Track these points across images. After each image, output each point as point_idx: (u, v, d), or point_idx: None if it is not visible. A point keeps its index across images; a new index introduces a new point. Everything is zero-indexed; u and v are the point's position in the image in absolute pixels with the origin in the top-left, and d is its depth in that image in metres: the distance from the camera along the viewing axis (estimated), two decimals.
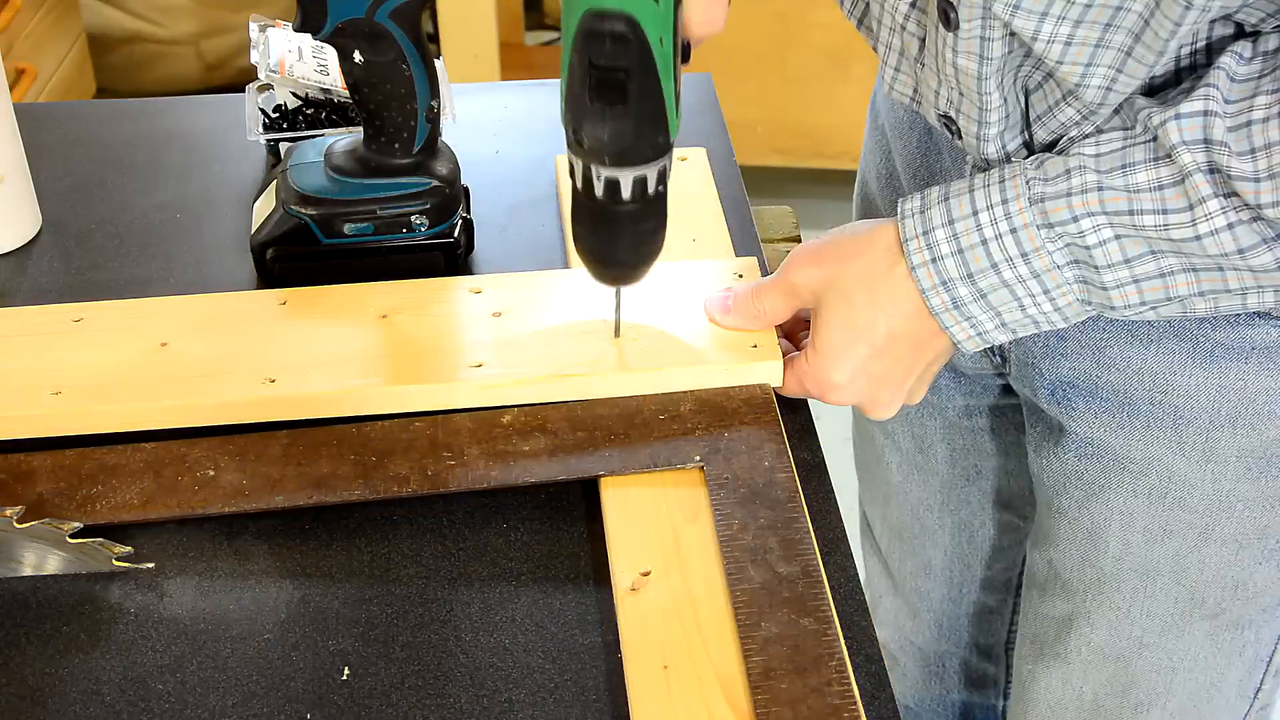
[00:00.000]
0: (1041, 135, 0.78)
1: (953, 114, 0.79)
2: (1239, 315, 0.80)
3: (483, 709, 0.69)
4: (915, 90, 0.83)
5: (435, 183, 0.92)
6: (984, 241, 0.75)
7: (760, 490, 0.76)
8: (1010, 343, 0.91)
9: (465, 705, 0.69)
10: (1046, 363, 0.89)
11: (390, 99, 0.88)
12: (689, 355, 0.83)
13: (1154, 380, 0.84)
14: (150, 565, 0.76)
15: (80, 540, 0.74)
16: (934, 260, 0.77)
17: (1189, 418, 0.84)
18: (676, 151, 1.04)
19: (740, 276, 0.89)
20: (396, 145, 0.90)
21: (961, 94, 0.77)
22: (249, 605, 0.74)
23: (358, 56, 0.86)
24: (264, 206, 0.95)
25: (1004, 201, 0.75)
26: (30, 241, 1.00)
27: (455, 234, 0.93)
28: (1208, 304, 0.75)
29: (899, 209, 0.79)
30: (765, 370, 0.83)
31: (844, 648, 0.68)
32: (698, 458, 0.78)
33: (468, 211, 0.97)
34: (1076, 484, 0.91)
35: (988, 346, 0.80)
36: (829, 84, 2.51)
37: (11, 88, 1.93)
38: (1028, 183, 0.74)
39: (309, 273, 0.92)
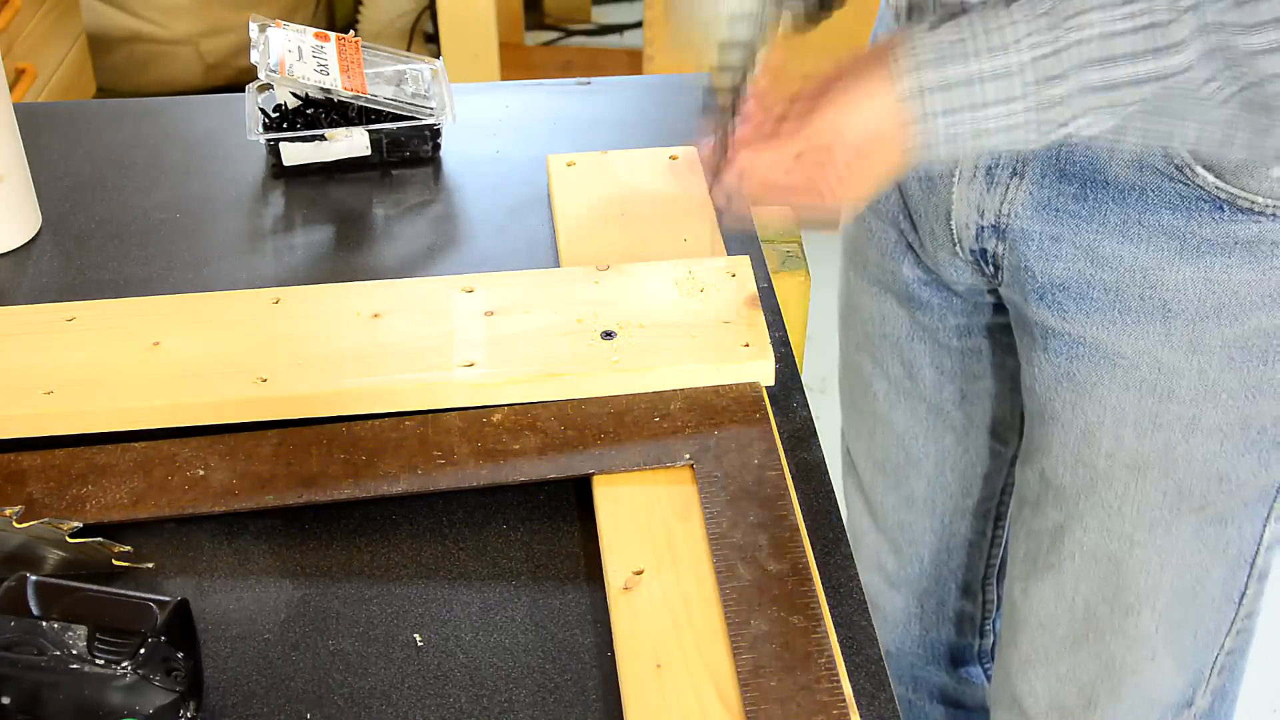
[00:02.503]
0: None
1: None
2: (1223, 210, 0.84)
3: (483, 709, 0.69)
4: None
5: None
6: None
7: (750, 488, 0.77)
8: (1004, 249, 0.93)
9: (465, 705, 0.69)
10: (1040, 265, 0.91)
11: None
12: (679, 354, 0.84)
13: (1144, 276, 0.87)
14: (150, 565, 0.76)
15: (80, 540, 0.74)
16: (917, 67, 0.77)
17: (1177, 310, 0.87)
18: (667, 150, 1.05)
19: (734, 276, 0.89)
20: None
21: None
22: (249, 605, 0.74)
23: None
24: None
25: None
26: (30, 241, 1.00)
27: None
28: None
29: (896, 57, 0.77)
30: (756, 369, 0.83)
31: (834, 645, 0.69)
32: (687, 456, 0.79)
33: None
34: (1068, 385, 0.94)
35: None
36: None
37: (11, 88, 1.93)
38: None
39: None
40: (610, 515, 0.76)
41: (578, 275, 0.90)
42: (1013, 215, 0.91)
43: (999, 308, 1.04)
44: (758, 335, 0.85)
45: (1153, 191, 0.85)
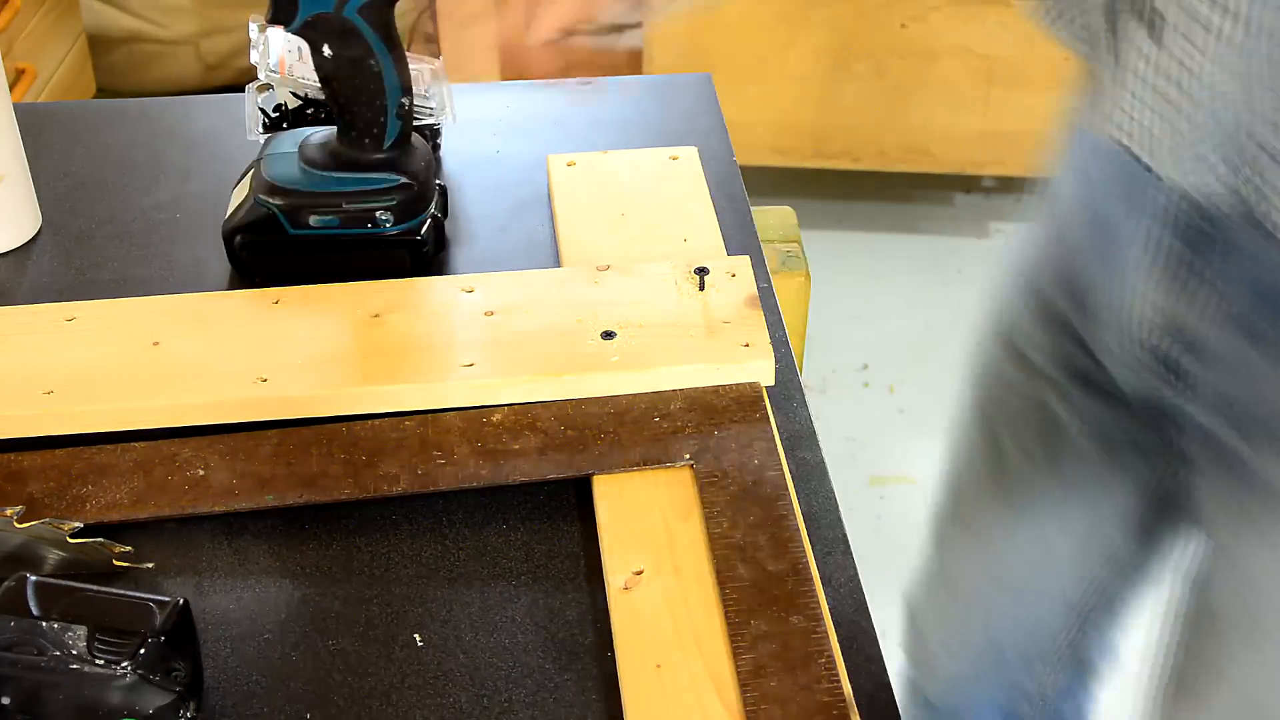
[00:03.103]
0: None
1: None
2: None
3: (483, 709, 0.69)
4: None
5: (403, 180, 0.92)
6: None
7: (750, 488, 0.76)
8: (1190, 362, 0.85)
9: (465, 705, 0.69)
10: (1235, 390, 0.83)
11: (359, 94, 0.89)
12: (679, 354, 0.84)
13: None
14: (150, 565, 0.76)
15: (81, 540, 0.74)
16: None
17: None
18: (667, 150, 1.05)
19: (734, 276, 0.89)
20: (367, 140, 0.91)
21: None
22: (249, 605, 0.74)
23: (327, 51, 0.87)
24: (239, 194, 0.95)
25: None
26: (30, 241, 1.00)
27: (422, 232, 0.93)
28: None
29: None
30: (756, 369, 0.83)
31: (835, 645, 0.69)
32: (687, 456, 0.79)
33: (442, 211, 0.97)
34: (1248, 528, 0.87)
35: None
36: (829, 84, 2.51)
37: (11, 88, 1.93)
38: None
39: (276, 262, 0.92)
40: (610, 515, 0.76)
41: (577, 275, 0.90)
42: (1205, 324, 0.82)
43: (1152, 418, 0.96)
44: (758, 335, 0.85)
45: None
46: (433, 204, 0.95)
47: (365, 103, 0.89)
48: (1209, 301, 0.81)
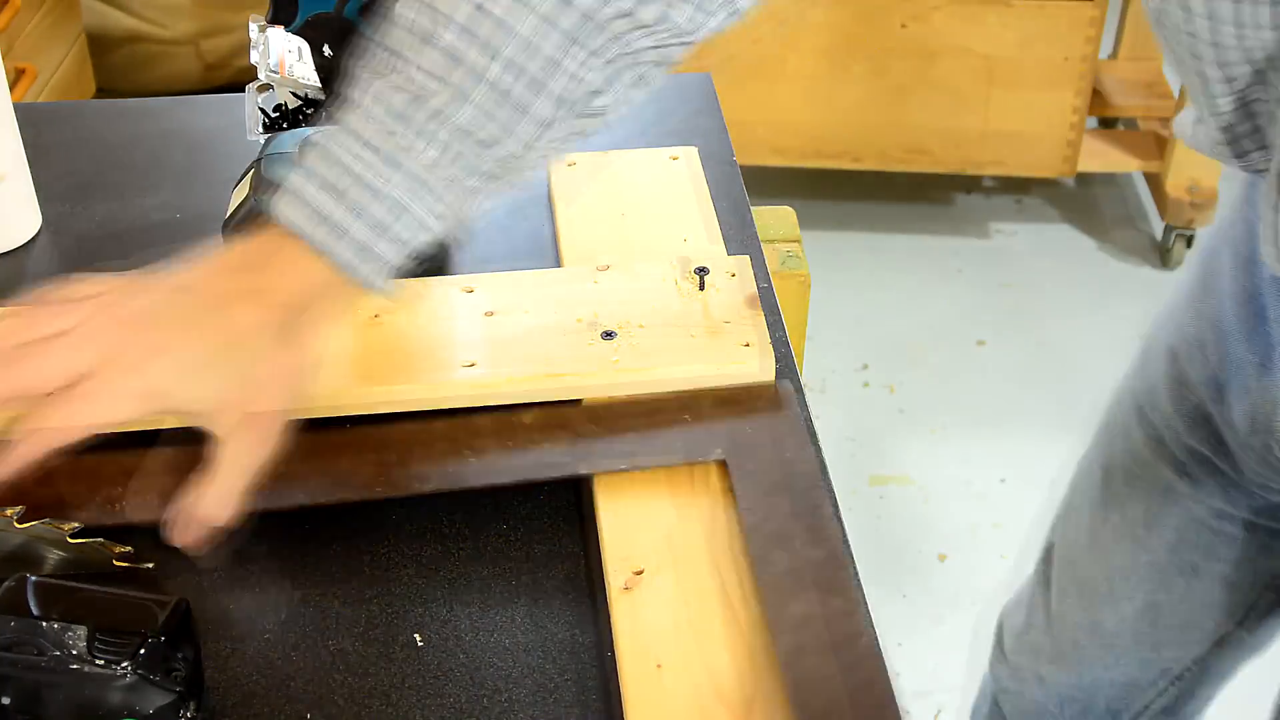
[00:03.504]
0: None
1: None
2: None
3: (483, 709, 0.69)
4: None
5: None
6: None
7: (780, 481, 0.77)
8: None
9: (465, 705, 0.69)
10: None
11: None
12: (680, 354, 0.84)
13: None
14: (150, 565, 0.76)
15: (81, 540, 0.74)
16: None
17: None
18: (667, 150, 1.05)
19: (734, 275, 0.89)
20: None
21: None
22: (249, 605, 0.74)
23: (327, 51, 0.87)
24: (238, 194, 0.95)
25: None
26: (30, 241, 1.00)
27: None
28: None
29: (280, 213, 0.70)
30: (756, 368, 0.84)
31: (871, 628, 0.69)
32: (719, 451, 0.79)
33: None
34: None
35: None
36: (829, 84, 2.51)
37: (11, 88, 1.93)
38: None
39: None
40: (611, 516, 0.76)
41: (578, 275, 0.90)
42: None
43: (1276, 510, 0.98)
44: (758, 334, 0.85)
45: None
46: None
47: None
48: None
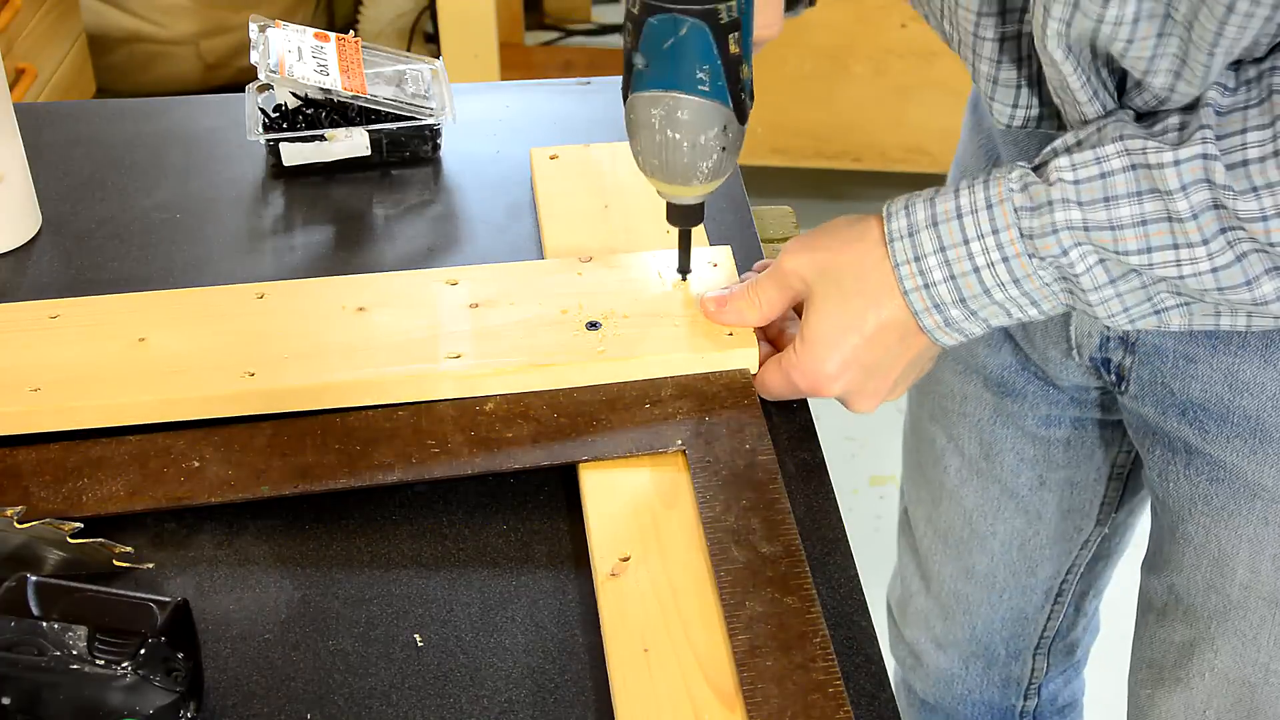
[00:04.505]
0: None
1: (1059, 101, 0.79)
2: None
3: (483, 709, 0.69)
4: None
5: None
6: (976, 270, 0.76)
7: (741, 473, 0.77)
8: (1132, 362, 0.90)
9: (465, 705, 0.69)
10: (1177, 383, 0.87)
11: None
12: (665, 344, 0.84)
13: None
14: (150, 565, 0.76)
15: (81, 540, 0.74)
16: (926, 286, 0.78)
17: None
18: None
19: (715, 265, 0.89)
20: None
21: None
22: (249, 605, 0.74)
23: None
24: None
25: (994, 232, 0.75)
26: (30, 241, 1.00)
27: None
28: (1183, 319, 0.76)
29: (886, 223, 0.79)
30: (741, 357, 0.84)
31: (825, 626, 0.69)
32: (680, 442, 0.79)
33: None
34: (1204, 509, 0.89)
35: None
36: (829, 84, 2.51)
37: (11, 88, 1.93)
38: (1015, 212, 0.75)
39: None
40: (596, 503, 0.77)
41: (561, 267, 0.91)
42: (1144, 330, 0.87)
43: (1102, 405, 1.01)
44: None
45: None
46: None
47: None
48: None
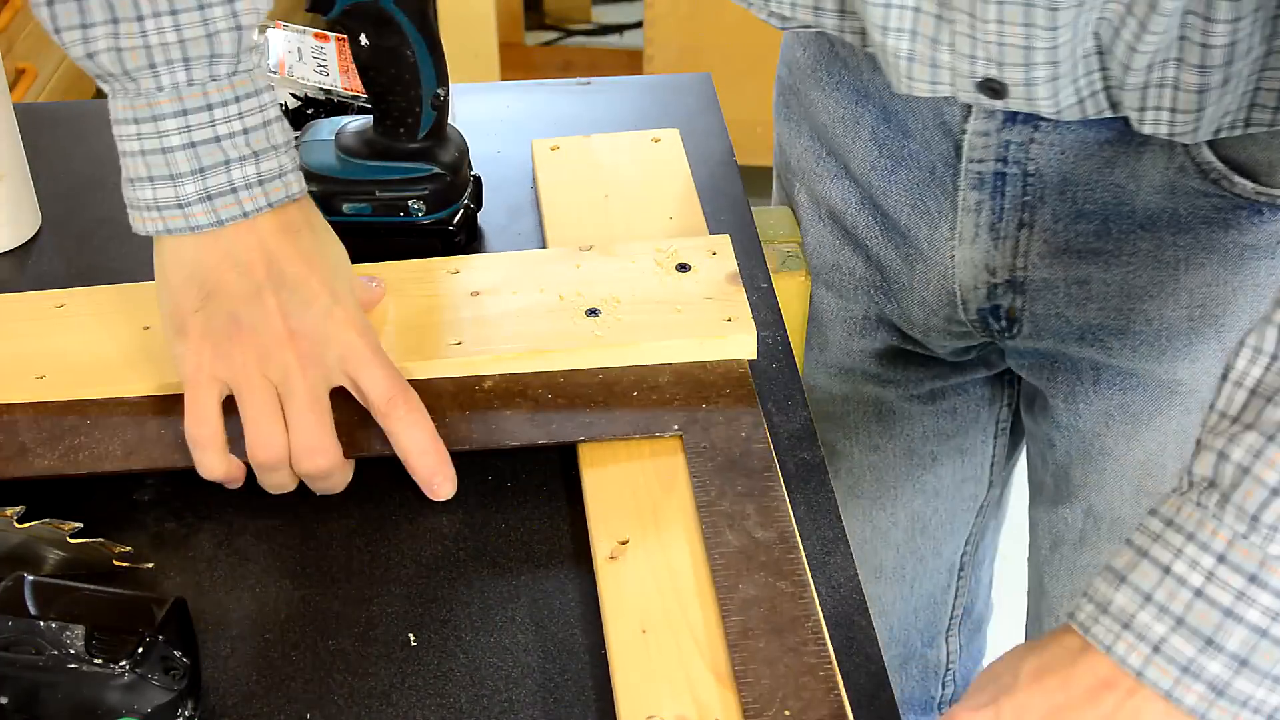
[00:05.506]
0: (1119, 74, 0.73)
1: (995, 73, 0.75)
2: (1262, 213, 0.81)
3: (483, 709, 0.69)
4: (935, 75, 0.78)
5: (436, 169, 0.93)
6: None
7: (737, 460, 0.78)
8: (1024, 302, 0.90)
9: (465, 705, 0.69)
10: (1072, 310, 0.88)
11: (395, 84, 0.90)
12: (663, 330, 0.84)
13: (1189, 297, 0.84)
14: (150, 565, 0.76)
15: (81, 540, 0.74)
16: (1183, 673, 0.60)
17: (1230, 324, 0.84)
18: (649, 133, 1.06)
19: (714, 254, 0.90)
20: (401, 130, 0.92)
21: (1005, 45, 0.73)
22: (248, 605, 0.74)
23: (364, 40, 0.88)
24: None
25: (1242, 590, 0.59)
26: (30, 241, 1.00)
27: (455, 222, 0.94)
28: None
29: (1100, 638, 0.62)
30: (739, 343, 0.84)
31: (819, 610, 0.70)
32: (676, 427, 0.79)
33: (476, 203, 0.98)
34: (1122, 418, 0.90)
35: None
36: None
37: (11, 88, 1.93)
38: (1231, 541, 0.60)
39: None
40: (596, 486, 0.77)
41: (561, 255, 0.91)
42: (1029, 267, 0.88)
43: (985, 362, 1.02)
44: (740, 310, 0.85)
45: (1186, 210, 0.82)
46: (465, 194, 0.96)
47: (400, 93, 0.90)
48: (1031, 245, 0.86)
